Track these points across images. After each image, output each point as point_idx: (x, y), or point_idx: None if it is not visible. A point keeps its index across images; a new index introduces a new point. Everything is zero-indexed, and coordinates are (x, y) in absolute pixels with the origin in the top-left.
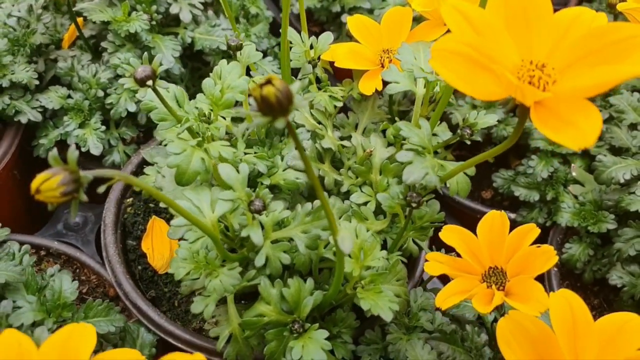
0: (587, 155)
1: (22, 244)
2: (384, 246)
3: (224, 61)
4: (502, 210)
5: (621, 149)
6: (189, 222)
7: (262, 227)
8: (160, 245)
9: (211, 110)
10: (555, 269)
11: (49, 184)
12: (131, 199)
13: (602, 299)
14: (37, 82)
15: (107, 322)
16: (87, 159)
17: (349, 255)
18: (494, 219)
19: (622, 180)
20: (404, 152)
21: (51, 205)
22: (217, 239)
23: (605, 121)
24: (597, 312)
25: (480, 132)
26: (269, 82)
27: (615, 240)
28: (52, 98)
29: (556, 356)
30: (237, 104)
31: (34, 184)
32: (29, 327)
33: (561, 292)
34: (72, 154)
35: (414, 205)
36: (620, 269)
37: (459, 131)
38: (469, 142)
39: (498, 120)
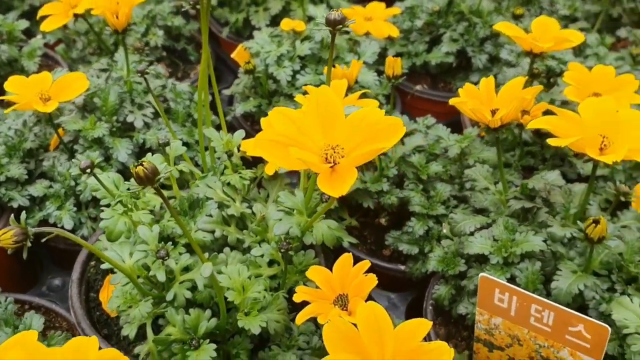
0: None
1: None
2: (278, 288)
3: (150, 154)
4: (398, 264)
5: (482, 210)
6: (113, 266)
7: (173, 272)
8: None
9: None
10: (431, 307)
11: (6, 235)
12: (94, 262)
13: (471, 331)
14: (26, 177)
15: None
16: None
17: (233, 289)
18: (344, 259)
19: (468, 232)
20: (275, 212)
21: (10, 250)
22: (134, 279)
23: (470, 189)
24: (466, 342)
25: (372, 200)
26: (141, 163)
27: (463, 278)
28: (38, 188)
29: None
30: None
31: None
32: None
33: (369, 304)
34: (22, 218)
35: (282, 250)
36: (467, 301)
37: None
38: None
39: (385, 191)
